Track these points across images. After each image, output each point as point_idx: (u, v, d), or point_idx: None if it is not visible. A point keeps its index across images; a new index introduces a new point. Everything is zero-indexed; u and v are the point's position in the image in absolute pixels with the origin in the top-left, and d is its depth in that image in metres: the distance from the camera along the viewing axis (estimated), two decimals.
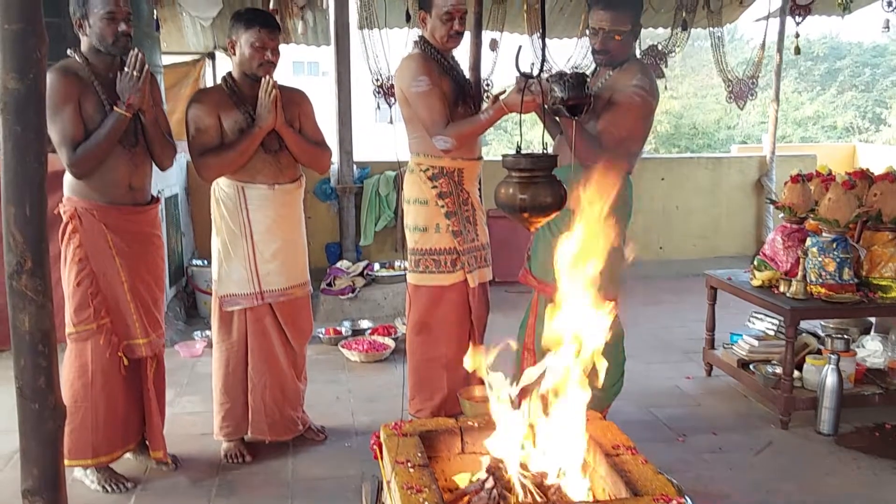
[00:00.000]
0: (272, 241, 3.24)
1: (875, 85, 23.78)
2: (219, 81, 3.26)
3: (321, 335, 4.98)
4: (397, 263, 6.01)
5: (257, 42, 3.05)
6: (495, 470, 2.16)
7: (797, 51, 6.52)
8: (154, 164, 3.09)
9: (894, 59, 22.84)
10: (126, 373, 3.03)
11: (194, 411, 3.86)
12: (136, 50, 2.85)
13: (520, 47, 2.21)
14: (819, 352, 3.89)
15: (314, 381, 3.93)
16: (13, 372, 1.67)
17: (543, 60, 2.26)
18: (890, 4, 5.77)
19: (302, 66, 25.48)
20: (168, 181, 5.35)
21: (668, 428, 3.68)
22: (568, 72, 2.67)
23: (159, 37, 5.71)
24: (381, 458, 2.49)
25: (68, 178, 2.90)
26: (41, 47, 1.45)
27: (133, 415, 3.12)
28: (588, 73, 3.23)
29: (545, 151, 2.18)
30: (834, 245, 3.63)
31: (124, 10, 2.82)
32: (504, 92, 3.05)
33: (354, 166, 6.28)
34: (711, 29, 6.78)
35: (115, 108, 2.82)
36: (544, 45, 2.45)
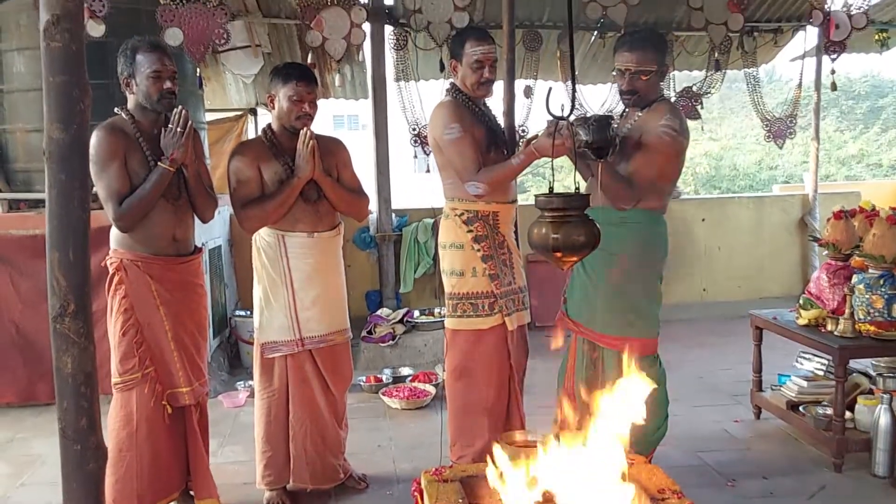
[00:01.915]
0: (312, 289, 3.28)
1: None
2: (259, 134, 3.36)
3: (362, 383, 4.98)
4: (437, 310, 6.01)
5: (295, 95, 3.14)
6: None
7: (833, 87, 6.49)
8: (196, 217, 3.18)
9: None
10: (170, 421, 3.07)
11: (237, 461, 3.88)
12: (179, 107, 2.96)
13: (550, 89, 2.24)
14: (871, 391, 3.78)
15: (355, 430, 3.93)
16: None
17: (574, 102, 2.29)
18: None
19: (342, 119, 26.01)
20: (212, 233, 5.48)
21: (716, 473, 3.59)
22: (592, 114, 2.70)
23: (203, 94, 5.92)
24: None
25: (114, 232, 3.00)
26: (84, 99, 1.53)
27: (177, 464, 3.15)
28: (618, 115, 3.25)
29: (577, 191, 2.20)
30: (881, 281, 3.55)
31: (170, 69, 2.94)
32: (536, 137, 3.08)
33: (393, 215, 6.36)
34: (747, 70, 6.78)
35: (159, 163, 2.92)
36: (574, 86, 2.49)
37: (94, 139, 2.89)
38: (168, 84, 2.93)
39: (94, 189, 3.05)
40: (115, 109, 3.00)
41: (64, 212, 1.55)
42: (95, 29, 4.62)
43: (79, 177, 1.56)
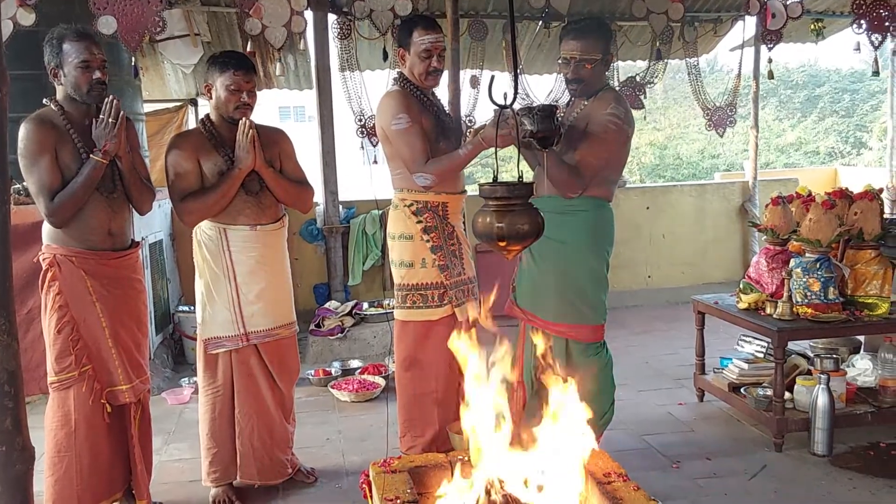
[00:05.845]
0: (256, 283, 3.22)
1: (855, 110, 24.08)
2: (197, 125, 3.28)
3: (311, 376, 4.93)
4: (386, 302, 5.98)
5: (233, 85, 3.07)
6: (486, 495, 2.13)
7: (770, 75, 6.63)
8: (133, 209, 3.09)
9: (873, 84, 23.18)
10: (110, 420, 2.98)
11: (182, 458, 3.80)
12: (111, 97, 2.86)
13: (492, 77, 2.23)
14: (809, 372, 3.88)
15: (304, 424, 3.88)
16: None
17: (517, 91, 2.28)
18: (860, 26, 5.89)
19: (288, 111, 25.66)
20: (153, 227, 5.35)
21: (662, 455, 3.65)
22: (536, 104, 2.70)
23: (140, 84, 5.75)
24: (371, 497, 2.45)
25: (47, 227, 2.90)
26: (2, 86, 1.45)
27: (118, 463, 3.07)
28: (563, 105, 3.26)
29: (521, 179, 2.19)
30: (817, 265, 3.64)
31: (99, 58, 2.84)
32: (483, 127, 3.07)
33: (340, 206, 6.30)
34: (688, 59, 6.89)
35: (91, 155, 2.82)
36: (516, 74, 2.48)
37: (23, 132, 2.78)
38: (97, 74, 2.82)
39: (26, 183, 2.95)
40: (44, 101, 2.89)
41: None
42: (25, 17, 4.45)
43: None
